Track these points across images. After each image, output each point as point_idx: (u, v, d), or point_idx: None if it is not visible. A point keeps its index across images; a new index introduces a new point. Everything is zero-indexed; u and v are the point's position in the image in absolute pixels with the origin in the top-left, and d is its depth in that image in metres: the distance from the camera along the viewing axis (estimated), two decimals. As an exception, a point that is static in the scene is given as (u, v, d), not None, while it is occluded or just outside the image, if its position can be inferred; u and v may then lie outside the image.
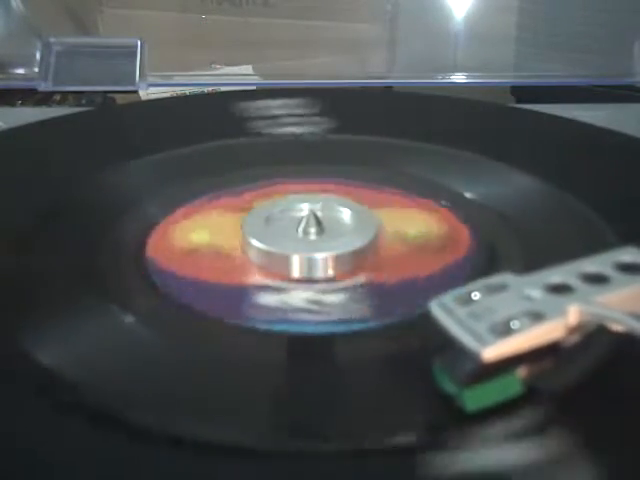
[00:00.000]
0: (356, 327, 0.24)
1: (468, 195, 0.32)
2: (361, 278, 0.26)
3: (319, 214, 0.28)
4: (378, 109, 0.43)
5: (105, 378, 0.21)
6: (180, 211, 0.31)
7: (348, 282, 0.26)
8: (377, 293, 0.26)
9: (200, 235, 0.29)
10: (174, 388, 0.21)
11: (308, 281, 0.26)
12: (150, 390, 0.21)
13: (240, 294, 0.26)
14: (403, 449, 0.19)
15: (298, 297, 0.26)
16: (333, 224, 0.28)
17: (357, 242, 0.27)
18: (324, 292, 0.26)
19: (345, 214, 0.29)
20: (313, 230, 0.28)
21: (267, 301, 0.26)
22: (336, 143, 0.37)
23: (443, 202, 0.31)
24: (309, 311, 0.25)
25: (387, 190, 0.32)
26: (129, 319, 0.24)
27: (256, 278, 0.27)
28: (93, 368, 0.22)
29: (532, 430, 0.19)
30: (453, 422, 0.19)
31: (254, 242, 0.27)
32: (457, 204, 0.31)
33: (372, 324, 0.24)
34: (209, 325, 0.24)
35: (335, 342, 0.24)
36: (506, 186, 0.33)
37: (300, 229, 0.28)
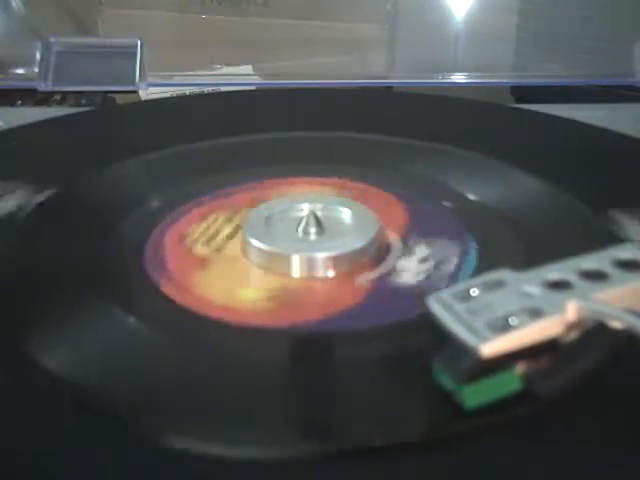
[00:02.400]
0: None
1: (468, 195, 0.32)
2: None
3: (319, 214, 0.28)
4: (378, 109, 0.43)
5: (107, 379, 0.22)
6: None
7: None
8: None
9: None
10: (175, 388, 0.21)
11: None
12: (152, 390, 0.21)
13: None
14: (402, 447, 0.19)
15: None
16: (333, 224, 0.28)
17: (357, 242, 0.27)
18: None
19: (345, 214, 0.29)
20: (313, 230, 0.28)
21: None
22: (336, 143, 0.37)
23: (446, 203, 0.31)
24: None
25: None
26: (131, 320, 0.24)
27: None
28: (95, 369, 0.22)
29: (531, 428, 0.19)
30: (452, 419, 0.19)
31: (254, 242, 0.27)
32: (457, 204, 0.31)
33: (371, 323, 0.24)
34: (210, 325, 0.24)
35: (335, 342, 0.24)
36: (506, 186, 0.33)
37: (300, 229, 0.28)
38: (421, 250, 0.28)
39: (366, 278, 0.26)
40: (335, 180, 0.33)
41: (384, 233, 0.29)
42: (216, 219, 0.30)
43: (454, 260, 0.27)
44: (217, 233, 0.29)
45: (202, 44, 0.55)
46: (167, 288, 0.26)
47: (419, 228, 0.29)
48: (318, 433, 0.20)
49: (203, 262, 0.27)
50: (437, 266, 0.27)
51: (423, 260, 0.27)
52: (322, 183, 0.33)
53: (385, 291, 0.26)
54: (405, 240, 0.29)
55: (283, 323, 0.24)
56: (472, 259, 0.28)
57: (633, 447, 0.19)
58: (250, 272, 0.27)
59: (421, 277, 0.26)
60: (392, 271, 0.27)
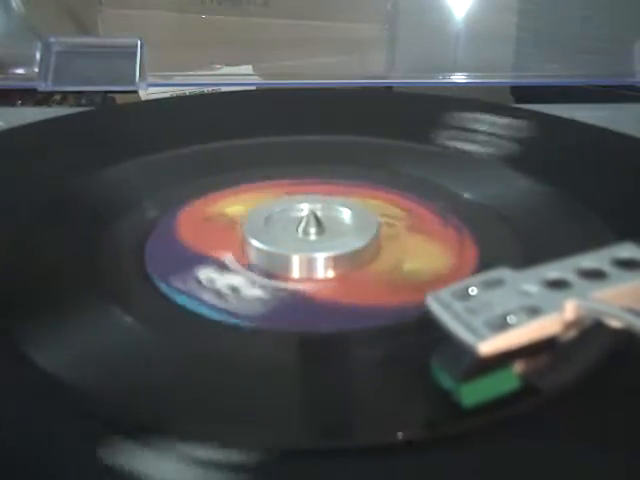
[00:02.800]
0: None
1: (467, 195, 0.32)
2: (298, 286, 0.26)
3: (319, 214, 0.28)
4: (378, 109, 0.43)
5: (105, 379, 0.21)
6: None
7: (283, 284, 0.26)
8: (292, 303, 0.25)
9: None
10: (174, 389, 0.21)
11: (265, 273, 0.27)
12: (149, 390, 0.21)
13: (190, 260, 0.27)
14: (401, 446, 0.19)
15: (226, 280, 0.26)
16: (333, 224, 0.28)
17: (357, 242, 0.27)
18: (252, 284, 0.26)
19: (345, 214, 0.29)
20: (313, 230, 0.28)
21: (202, 273, 0.26)
22: (336, 143, 0.37)
23: (442, 203, 0.31)
24: (219, 295, 0.25)
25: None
26: (130, 320, 0.24)
27: (220, 252, 0.28)
28: (93, 369, 0.22)
29: (530, 427, 0.19)
30: (451, 417, 0.19)
31: (254, 242, 0.27)
32: (456, 204, 0.31)
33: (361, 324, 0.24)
34: (210, 325, 0.24)
35: (334, 342, 0.24)
36: (506, 186, 0.33)
37: (300, 229, 0.28)
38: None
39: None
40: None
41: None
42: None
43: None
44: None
45: (202, 44, 0.55)
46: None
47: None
48: (317, 433, 0.20)
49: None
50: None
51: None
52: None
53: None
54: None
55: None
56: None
57: (633, 446, 0.19)
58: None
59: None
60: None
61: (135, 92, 0.48)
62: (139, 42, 0.47)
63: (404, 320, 0.24)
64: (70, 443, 0.19)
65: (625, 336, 0.19)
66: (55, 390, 0.21)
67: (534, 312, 0.19)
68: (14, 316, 0.24)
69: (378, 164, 0.35)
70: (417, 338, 0.23)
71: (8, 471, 0.18)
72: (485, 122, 0.39)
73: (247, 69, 0.53)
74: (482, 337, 0.18)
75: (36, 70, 0.47)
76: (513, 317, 0.19)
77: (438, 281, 0.26)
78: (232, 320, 0.24)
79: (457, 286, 0.20)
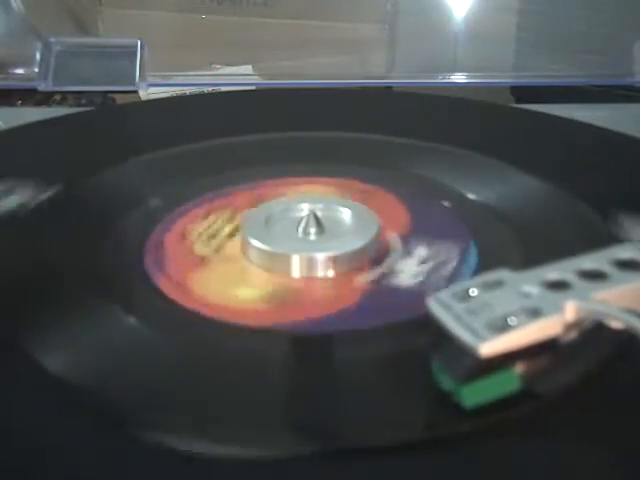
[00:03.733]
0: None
1: (468, 195, 0.32)
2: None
3: (319, 214, 0.28)
4: (378, 109, 0.43)
5: (106, 379, 0.22)
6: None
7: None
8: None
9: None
10: (174, 388, 0.21)
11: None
12: (151, 390, 0.21)
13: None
14: (401, 447, 0.19)
15: None
16: (333, 224, 0.28)
17: (357, 242, 0.27)
18: None
19: (345, 214, 0.29)
20: (313, 230, 0.28)
21: None
22: (336, 143, 0.37)
23: (446, 203, 0.31)
24: None
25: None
26: (131, 320, 0.24)
27: None
28: (94, 369, 0.22)
29: (530, 428, 0.19)
30: (451, 419, 0.19)
31: (254, 242, 0.27)
32: (457, 204, 0.31)
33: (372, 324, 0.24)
34: (208, 325, 0.24)
35: (333, 341, 0.24)
36: (506, 186, 0.33)
37: (300, 229, 0.28)
38: (421, 251, 0.28)
39: (364, 279, 0.26)
40: (335, 180, 0.33)
41: (384, 234, 0.29)
42: (216, 218, 0.30)
43: (454, 261, 0.27)
44: (217, 232, 0.29)
45: (202, 44, 0.55)
46: (167, 288, 0.26)
47: (420, 229, 0.29)
48: (317, 433, 0.20)
49: (203, 261, 0.27)
50: (436, 267, 0.27)
51: (422, 261, 0.27)
52: (324, 183, 0.33)
53: (383, 292, 0.26)
54: (406, 241, 0.29)
55: (282, 323, 0.24)
56: (472, 259, 0.28)
57: (633, 447, 0.19)
58: (249, 271, 0.27)
59: (420, 278, 0.26)
60: (391, 272, 0.27)
61: (135, 92, 0.48)
62: (139, 42, 0.47)
63: (406, 320, 0.24)
64: (70, 442, 0.19)
65: (626, 337, 0.19)
66: (55, 389, 0.21)
67: (534, 313, 0.19)
68: (14, 316, 0.24)
69: (379, 164, 0.35)
70: (418, 339, 0.23)
71: (8, 470, 0.18)
72: (485, 122, 0.39)
73: (247, 69, 0.53)
74: (483, 338, 0.18)
75: (36, 70, 0.47)
76: (514, 318, 0.19)
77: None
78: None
79: (457, 287, 0.20)
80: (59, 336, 0.23)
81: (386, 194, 0.32)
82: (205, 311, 0.25)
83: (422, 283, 0.26)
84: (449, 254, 0.28)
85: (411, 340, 0.23)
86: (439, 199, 0.32)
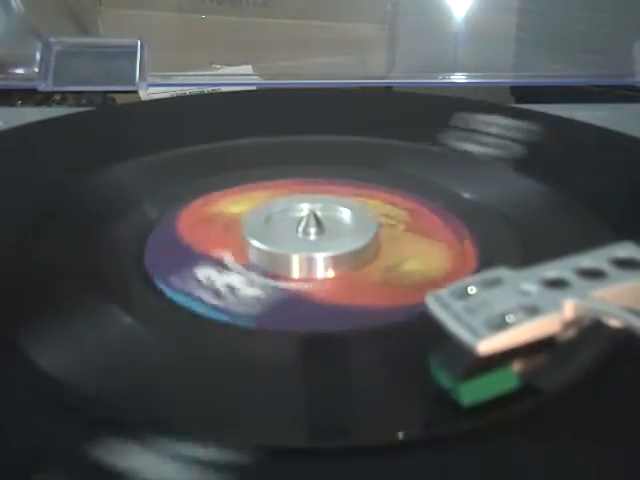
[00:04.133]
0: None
1: (467, 195, 0.32)
2: (297, 286, 0.26)
3: (319, 214, 0.28)
4: (378, 109, 0.43)
5: (105, 379, 0.22)
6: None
7: (283, 284, 0.26)
8: (288, 302, 0.25)
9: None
10: (173, 388, 0.21)
11: (264, 273, 0.26)
12: (150, 390, 0.21)
13: (190, 259, 0.27)
14: (400, 445, 0.19)
15: (225, 280, 0.26)
16: (333, 224, 0.28)
17: (357, 242, 0.27)
18: (250, 283, 0.26)
19: (345, 214, 0.29)
20: (313, 230, 0.28)
21: (202, 272, 0.27)
22: (336, 143, 0.37)
23: (441, 202, 0.31)
24: (218, 295, 0.25)
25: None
26: (130, 320, 0.24)
27: (220, 252, 0.28)
28: (93, 369, 0.22)
29: (529, 426, 0.19)
30: (450, 417, 0.19)
31: (254, 242, 0.27)
32: (456, 204, 0.31)
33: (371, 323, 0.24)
34: (209, 325, 0.24)
35: (332, 341, 0.24)
36: (506, 186, 0.33)
37: (300, 229, 0.28)
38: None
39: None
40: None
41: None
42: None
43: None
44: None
45: (202, 44, 0.55)
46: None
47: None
48: (317, 433, 0.20)
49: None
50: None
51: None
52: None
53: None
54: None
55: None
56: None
57: (632, 446, 0.19)
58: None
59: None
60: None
61: (135, 92, 0.48)
62: (139, 42, 0.47)
63: (402, 320, 0.24)
64: (69, 442, 0.19)
65: (624, 335, 0.19)
66: (55, 389, 0.21)
67: (533, 311, 0.19)
68: (14, 316, 0.24)
69: (378, 164, 0.35)
70: (416, 337, 0.23)
71: (7, 470, 0.18)
72: (485, 122, 0.39)
73: (247, 69, 0.53)
74: (481, 336, 0.18)
75: (36, 70, 0.47)
76: (512, 316, 0.19)
77: (436, 282, 0.26)
78: (230, 319, 0.24)
79: (456, 285, 0.20)
80: (57, 336, 0.23)
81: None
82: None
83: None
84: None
85: (410, 340, 0.23)
86: (439, 199, 0.32)
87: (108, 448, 0.19)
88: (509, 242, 0.29)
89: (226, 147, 0.37)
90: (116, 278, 0.27)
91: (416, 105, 0.43)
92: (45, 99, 0.54)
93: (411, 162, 0.35)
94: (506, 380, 0.19)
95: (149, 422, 0.19)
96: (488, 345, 0.18)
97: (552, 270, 0.20)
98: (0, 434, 0.19)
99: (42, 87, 0.47)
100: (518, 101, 0.54)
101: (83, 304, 0.25)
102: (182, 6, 0.56)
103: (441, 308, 0.19)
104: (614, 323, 0.19)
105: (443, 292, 0.20)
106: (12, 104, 0.53)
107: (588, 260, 0.21)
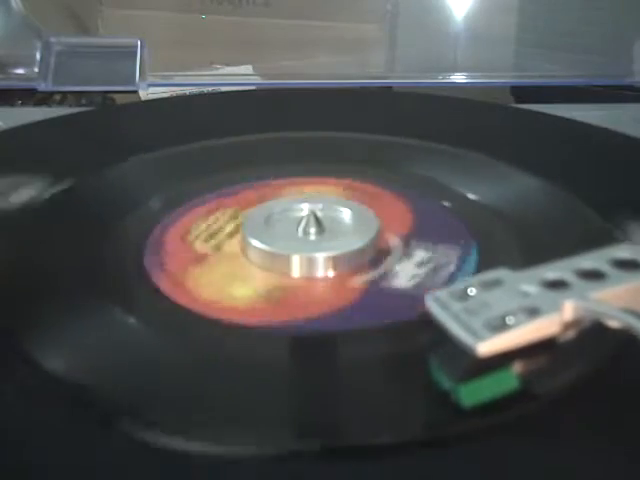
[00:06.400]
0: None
1: (468, 195, 0.32)
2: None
3: (319, 214, 0.28)
4: (378, 108, 0.43)
5: (106, 379, 0.21)
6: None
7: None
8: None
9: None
10: (174, 388, 0.21)
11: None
12: (150, 390, 0.21)
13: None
14: (399, 446, 0.19)
15: None
16: (333, 224, 0.28)
17: (357, 242, 0.27)
18: None
19: (345, 214, 0.29)
20: (313, 230, 0.28)
21: None
22: (336, 142, 0.37)
23: (446, 203, 0.31)
24: None
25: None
26: (131, 320, 0.24)
27: None
28: (94, 369, 0.22)
29: (529, 428, 0.19)
30: (450, 418, 0.19)
31: (254, 242, 0.27)
32: (457, 204, 0.31)
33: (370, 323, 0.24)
34: (209, 325, 0.24)
35: (332, 341, 0.24)
36: (506, 186, 0.33)
37: (300, 229, 0.28)
38: (421, 253, 0.28)
39: (362, 279, 0.26)
40: (337, 180, 0.33)
41: (384, 234, 0.29)
42: (218, 217, 0.30)
43: (454, 261, 0.27)
44: (218, 231, 0.29)
45: (202, 44, 0.55)
46: (167, 287, 0.26)
47: (420, 229, 0.29)
48: (316, 433, 0.20)
49: (202, 259, 0.27)
50: (436, 268, 0.27)
51: (422, 263, 0.27)
52: (324, 183, 0.33)
53: (381, 292, 0.26)
54: (406, 242, 0.29)
55: (280, 322, 0.24)
56: (472, 259, 0.28)
57: (632, 447, 0.19)
58: (248, 270, 0.27)
59: (419, 279, 0.26)
60: (389, 273, 0.27)
61: (135, 92, 0.48)
62: (139, 42, 0.47)
63: (403, 320, 0.24)
64: (69, 442, 0.19)
65: (624, 337, 0.19)
66: (55, 389, 0.21)
67: (533, 312, 0.19)
68: (15, 315, 0.24)
69: (379, 164, 0.35)
70: (416, 338, 0.23)
71: (7, 470, 0.18)
72: (485, 122, 0.39)
73: (247, 69, 0.53)
74: (481, 338, 0.18)
75: (36, 70, 0.47)
76: (512, 318, 0.19)
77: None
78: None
79: (456, 286, 0.20)
80: (59, 335, 0.23)
81: (390, 194, 0.32)
82: (201, 309, 0.25)
83: (420, 284, 0.26)
84: (449, 255, 0.28)
85: (409, 340, 0.23)
86: (439, 199, 0.32)
87: (108, 448, 0.19)
88: (510, 242, 0.29)
89: (226, 146, 0.37)
90: (116, 277, 0.27)
91: (416, 104, 0.43)
92: (45, 99, 0.54)
93: (411, 162, 0.35)
94: (506, 381, 0.19)
95: (149, 422, 0.19)
96: (488, 346, 0.18)
97: (552, 271, 0.20)
98: (1, 434, 0.19)
99: (42, 87, 0.47)
100: (518, 101, 0.54)
101: (84, 303, 0.25)
102: (182, 6, 0.56)
103: (441, 309, 0.19)
104: (614, 324, 0.19)
105: (442, 293, 0.20)
106: (12, 104, 0.53)
107: (588, 261, 0.21)
